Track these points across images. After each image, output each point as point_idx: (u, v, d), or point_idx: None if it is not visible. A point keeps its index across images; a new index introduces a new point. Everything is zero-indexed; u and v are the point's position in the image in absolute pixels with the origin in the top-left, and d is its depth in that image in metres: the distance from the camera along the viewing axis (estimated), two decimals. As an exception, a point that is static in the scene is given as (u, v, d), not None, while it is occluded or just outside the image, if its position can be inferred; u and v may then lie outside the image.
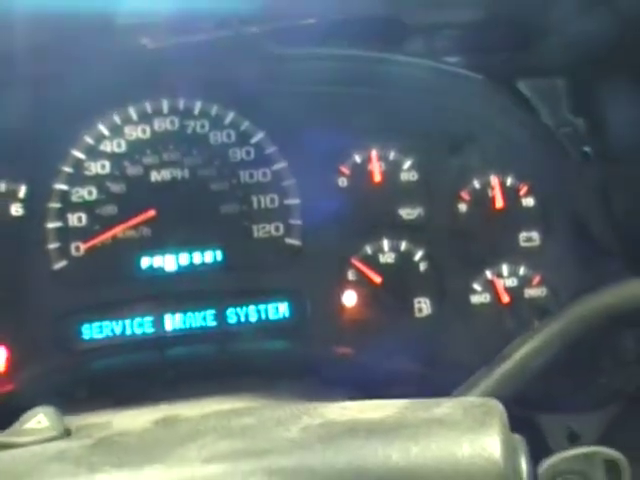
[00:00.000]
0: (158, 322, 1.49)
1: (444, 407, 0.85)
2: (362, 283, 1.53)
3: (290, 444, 0.82)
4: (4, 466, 0.87)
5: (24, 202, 1.51)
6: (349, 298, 1.51)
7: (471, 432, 0.78)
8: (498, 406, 0.83)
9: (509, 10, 1.44)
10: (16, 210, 1.50)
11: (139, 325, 1.48)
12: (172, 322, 1.50)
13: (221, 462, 0.79)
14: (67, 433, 0.99)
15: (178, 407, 1.11)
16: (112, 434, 0.94)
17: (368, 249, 1.53)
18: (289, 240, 1.52)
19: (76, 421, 1.04)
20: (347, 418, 0.87)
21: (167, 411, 1.06)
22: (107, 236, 1.48)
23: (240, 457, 0.80)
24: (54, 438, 0.97)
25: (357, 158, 1.55)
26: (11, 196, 1.51)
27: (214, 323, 1.50)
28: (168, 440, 0.88)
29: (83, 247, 1.50)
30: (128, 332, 1.49)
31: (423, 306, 1.53)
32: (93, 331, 1.48)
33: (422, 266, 1.54)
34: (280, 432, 0.85)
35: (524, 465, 0.80)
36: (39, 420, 1.00)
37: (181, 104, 1.55)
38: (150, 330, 1.49)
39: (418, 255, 1.54)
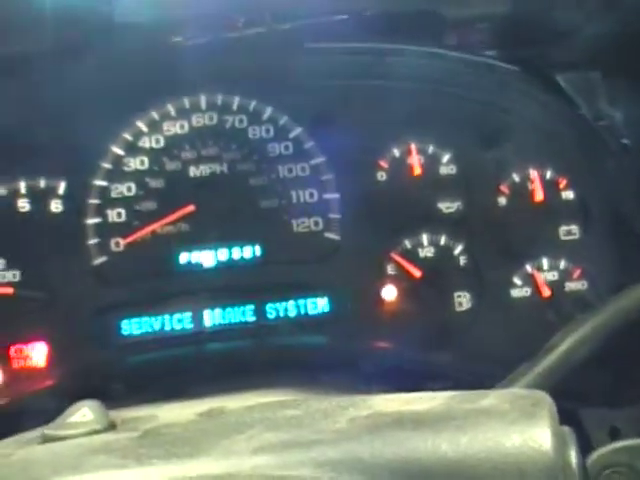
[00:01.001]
0: (197, 318, 1.49)
1: (491, 398, 0.84)
2: (401, 277, 1.52)
3: (338, 435, 0.81)
4: (51, 458, 0.87)
5: (63, 198, 1.51)
6: (389, 292, 1.50)
7: (520, 423, 0.78)
8: (546, 397, 0.83)
9: (541, 3, 1.42)
10: (56, 206, 1.50)
11: (178, 321, 1.48)
12: (211, 318, 1.49)
13: (269, 453, 0.79)
14: (112, 426, 0.99)
15: (221, 400, 1.09)
16: (158, 426, 0.94)
17: (407, 243, 1.52)
18: (328, 234, 1.52)
19: (119, 415, 1.03)
20: (394, 409, 0.86)
21: (211, 404, 1.05)
22: (146, 232, 1.48)
23: (288, 448, 0.79)
24: (99, 431, 0.96)
25: (396, 152, 1.55)
26: (51, 192, 1.51)
27: (253, 318, 1.50)
28: (215, 432, 0.87)
29: (122, 243, 1.50)
30: (167, 328, 1.49)
31: (463, 300, 1.52)
32: (132, 327, 1.48)
33: (462, 260, 1.53)
34: (327, 424, 0.85)
35: (574, 456, 0.79)
36: (83, 413, 1.00)
37: (219, 99, 1.55)
38: (189, 326, 1.49)
39: (458, 249, 1.53)
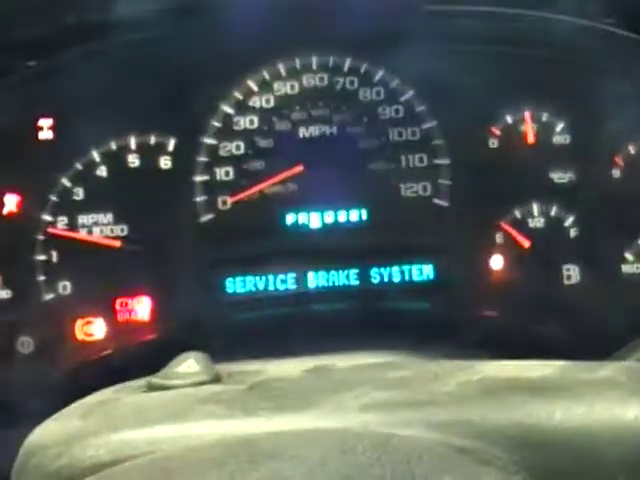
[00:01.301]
0: (301, 279, 1.48)
1: (607, 370, 0.82)
2: (510, 247, 1.49)
3: (449, 397, 0.80)
4: (160, 404, 0.87)
5: (173, 155, 1.52)
6: (496, 261, 1.47)
7: (638, 394, 0.74)
8: None
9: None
10: (165, 163, 1.51)
11: (282, 281, 1.48)
12: (315, 280, 1.49)
13: (378, 411, 0.78)
14: (217, 379, 0.98)
15: (326, 359, 1.09)
16: (265, 380, 0.94)
17: (517, 213, 1.49)
18: (437, 200, 1.49)
19: (224, 368, 1.03)
20: (506, 376, 0.85)
21: (316, 362, 1.04)
22: (254, 190, 1.47)
23: (398, 407, 0.78)
24: (205, 382, 0.96)
25: (509, 119, 1.51)
26: (160, 149, 1.52)
27: (357, 282, 1.49)
28: (323, 388, 0.86)
29: (230, 201, 1.50)
30: (271, 288, 1.49)
31: (572, 273, 1.49)
32: (236, 285, 1.48)
33: (572, 232, 1.49)
34: (437, 386, 0.84)
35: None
36: (189, 365, 1.00)
37: (331, 60, 1.53)
38: (293, 287, 1.49)
39: (569, 221, 1.49)
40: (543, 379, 0.83)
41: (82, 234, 1.52)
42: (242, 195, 1.48)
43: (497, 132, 1.51)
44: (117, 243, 1.50)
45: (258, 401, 0.83)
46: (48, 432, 0.87)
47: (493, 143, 1.51)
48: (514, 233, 1.48)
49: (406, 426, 0.75)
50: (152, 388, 0.96)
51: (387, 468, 0.62)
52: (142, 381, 1.01)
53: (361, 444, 0.66)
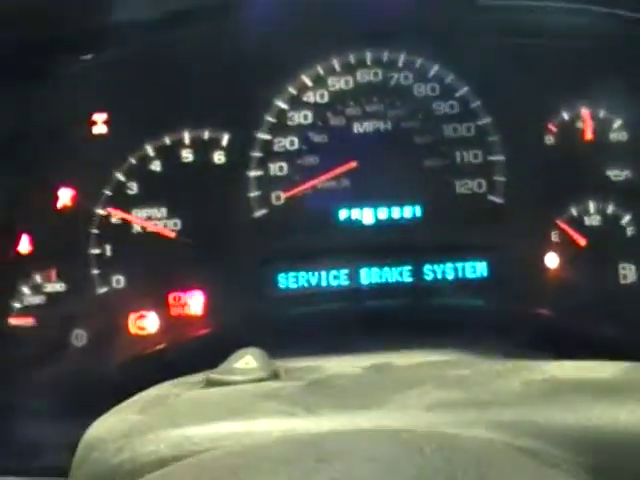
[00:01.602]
0: (354, 275, 1.48)
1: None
2: (565, 245, 1.47)
3: (513, 397, 0.79)
4: (222, 400, 0.87)
5: (227, 150, 1.52)
6: (551, 260, 1.45)
7: None
8: None
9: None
10: (219, 158, 1.52)
11: (334, 277, 1.47)
12: (367, 276, 1.49)
13: (443, 410, 0.78)
14: (275, 375, 0.98)
15: (383, 357, 1.08)
16: (324, 377, 0.94)
17: (573, 210, 1.48)
18: (492, 197, 1.48)
19: (281, 365, 1.03)
20: (570, 376, 0.84)
21: (373, 360, 1.04)
22: (308, 186, 1.46)
23: (462, 407, 0.78)
24: (264, 379, 0.96)
25: (565, 115, 1.50)
26: (214, 144, 1.53)
27: (410, 279, 1.48)
28: (384, 386, 0.86)
29: (283, 196, 1.50)
30: (323, 283, 1.49)
31: (628, 272, 1.47)
32: (289, 280, 1.48)
33: (629, 231, 1.48)
34: (500, 385, 0.83)
35: None
36: (247, 361, 1.00)
37: (385, 55, 1.53)
38: (345, 282, 1.48)
39: (625, 219, 1.47)
40: (607, 380, 0.82)
41: (137, 226, 1.49)
42: (296, 190, 1.47)
43: (553, 129, 1.49)
44: (171, 235, 1.48)
45: (319, 399, 0.83)
46: (107, 426, 0.87)
47: (549, 140, 1.49)
48: (570, 231, 1.47)
49: (471, 426, 0.75)
50: (211, 384, 0.96)
51: (458, 470, 0.61)
52: (199, 376, 1.01)
53: (430, 445, 0.66)
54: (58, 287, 1.51)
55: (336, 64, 1.52)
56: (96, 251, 1.51)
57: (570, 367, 0.88)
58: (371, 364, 0.99)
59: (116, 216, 1.52)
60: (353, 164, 1.47)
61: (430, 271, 1.47)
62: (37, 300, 1.52)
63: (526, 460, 0.68)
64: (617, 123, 1.50)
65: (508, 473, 0.63)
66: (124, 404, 0.95)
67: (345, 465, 0.62)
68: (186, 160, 1.51)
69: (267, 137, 1.50)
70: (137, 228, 1.52)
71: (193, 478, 0.66)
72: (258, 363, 0.99)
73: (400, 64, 1.52)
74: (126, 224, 1.52)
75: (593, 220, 1.48)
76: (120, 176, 1.51)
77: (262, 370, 0.98)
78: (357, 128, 1.50)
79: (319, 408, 0.80)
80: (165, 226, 1.51)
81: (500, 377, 0.85)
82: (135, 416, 0.88)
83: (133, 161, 1.51)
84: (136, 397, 0.97)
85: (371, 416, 0.78)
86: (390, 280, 1.48)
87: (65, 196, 1.53)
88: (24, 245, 1.51)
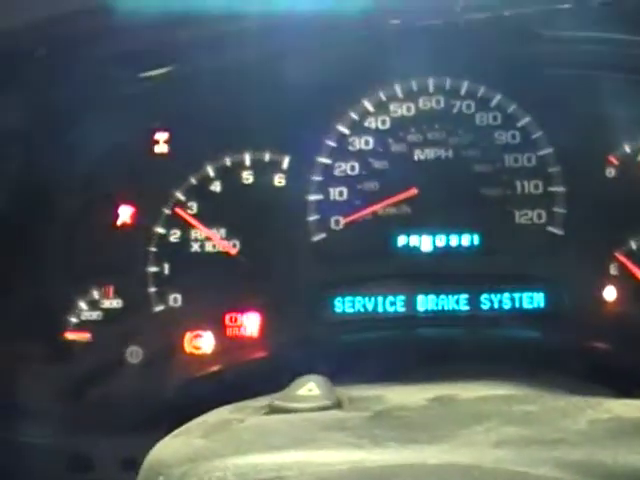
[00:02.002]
0: (410, 302, 1.48)
1: None
2: (624, 278, 1.46)
3: (580, 437, 0.80)
4: (286, 429, 0.88)
5: (287, 173, 1.52)
6: (609, 293, 1.44)
7: None
8: None
9: None
10: (279, 180, 1.53)
11: (391, 303, 1.48)
12: (424, 303, 1.48)
13: (510, 447, 0.78)
14: (339, 404, 0.98)
15: (444, 388, 1.08)
16: (389, 408, 0.94)
17: (633, 244, 1.46)
18: (551, 228, 1.48)
19: (344, 392, 1.03)
20: (635, 415, 0.83)
21: (435, 390, 1.04)
22: (368, 212, 1.47)
23: (530, 445, 0.79)
24: (328, 407, 0.96)
25: (627, 148, 1.48)
26: (275, 166, 1.54)
27: (466, 308, 1.48)
28: (450, 419, 0.87)
29: (343, 221, 1.51)
30: (379, 309, 1.48)
31: (687, 308, 1.44)
32: (345, 305, 1.49)
33: (690, 266, 1.45)
34: (567, 423, 0.84)
35: None
36: (310, 388, 1.00)
37: (447, 83, 1.53)
38: (402, 309, 1.48)
39: (685, 254, 1.45)
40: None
41: (195, 245, 1.50)
42: (356, 216, 1.48)
43: (615, 161, 1.48)
44: (229, 256, 1.50)
45: (386, 431, 0.84)
46: (172, 449, 0.89)
47: (610, 172, 1.49)
48: (629, 264, 1.45)
49: (538, 464, 0.75)
50: (274, 410, 0.97)
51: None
52: (260, 401, 1.01)
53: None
54: (115, 303, 1.53)
55: (398, 90, 1.52)
56: (154, 269, 1.53)
57: (634, 406, 0.88)
58: (435, 396, 0.99)
59: (174, 236, 1.50)
60: (414, 191, 1.47)
61: (487, 300, 1.47)
62: (94, 316, 1.53)
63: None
64: (678, 157, 1.47)
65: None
66: (186, 427, 0.96)
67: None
68: (246, 182, 1.52)
69: (328, 161, 1.50)
70: (195, 247, 1.52)
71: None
72: (321, 391, 0.99)
73: (462, 92, 1.52)
74: (185, 243, 1.50)
75: (653, 254, 1.45)
76: (180, 195, 1.51)
77: (325, 398, 0.98)
78: (418, 155, 1.51)
79: (386, 441, 0.81)
80: (223, 246, 1.49)
81: (566, 415, 0.85)
82: (199, 440, 0.89)
83: (193, 181, 1.52)
84: (198, 420, 0.98)
85: (438, 451, 0.78)
86: (446, 308, 1.48)
87: (125, 214, 1.54)
88: (83, 260, 1.51)
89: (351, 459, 0.79)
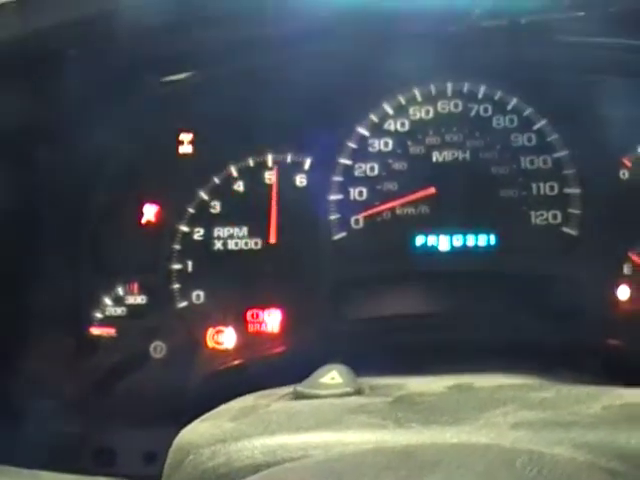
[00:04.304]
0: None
1: None
2: (638, 278, 1.49)
3: (594, 420, 0.82)
4: (311, 413, 0.90)
5: (308, 173, 1.55)
6: (623, 292, 1.47)
7: None
8: None
9: None
10: (300, 181, 1.55)
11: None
12: (442, 301, 1.49)
13: (528, 429, 0.80)
14: (361, 391, 1.01)
15: (464, 378, 1.11)
16: (410, 394, 0.97)
17: (646, 244, 1.48)
18: (566, 229, 1.51)
19: (364, 382, 1.06)
20: (647, 402, 0.85)
21: (455, 380, 1.07)
22: (387, 207, 1.50)
23: (546, 427, 0.81)
24: (350, 394, 0.99)
25: (640, 150, 1.50)
26: (297, 167, 1.57)
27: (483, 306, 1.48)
28: (469, 404, 0.89)
29: (362, 220, 1.51)
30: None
31: (700, 307, 1.47)
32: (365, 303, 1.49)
33: (703, 265, 1.48)
34: (581, 408, 0.86)
35: None
36: (332, 376, 1.03)
37: (465, 87, 1.56)
38: (421, 307, 1.49)
39: (699, 254, 1.48)
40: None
41: (218, 243, 1.54)
42: (374, 210, 1.51)
43: (628, 163, 1.51)
44: (252, 254, 1.53)
45: (407, 414, 0.87)
46: (200, 432, 0.91)
47: (624, 174, 1.51)
48: (642, 264, 1.47)
49: (555, 445, 0.77)
50: (299, 396, 1.00)
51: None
52: (286, 389, 1.04)
53: (520, 459, 0.69)
54: (139, 300, 1.56)
55: (417, 94, 1.55)
56: (178, 266, 1.56)
57: None
58: (453, 384, 1.02)
59: (198, 234, 1.54)
60: (431, 190, 1.50)
61: (503, 299, 1.49)
62: (118, 311, 1.56)
63: (609, 478, 0.71)
64: (693, 159, 1.50)
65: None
66: (214, 412, 0.99)
67: (444, 474, 0.65)
68: (269, 182, 1.55)
69: (348, 162, 1.53)
70: (218, 245, 1.55)
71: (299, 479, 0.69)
72: (343, 379, 1.02)
73: (480, 96, 1.55)
74: (208, 241, 1.54)
75: (666, 254, 1.48)
76: (204, 195, 1.55)
77: (347, 385, 1.01)
78: (436, 157, 1.54)
79: (408, 422, 0.84)
80: (247, 245, 1.53)
81: (580, 401, 0.88)
82: (228, 423, 0.91)
83: (217, 181, 1.55)
84: (225, 406, 1.01)
85: (458, 431, 0.81)
86: (464, 307, 1.49)
87: (149, 212, 1.57)
88: (109, 257, 1.54)
89: (376, 439, 0.81)
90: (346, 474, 0.68)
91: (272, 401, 0.99)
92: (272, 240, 1.56)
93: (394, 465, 0.68)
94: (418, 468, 0.66)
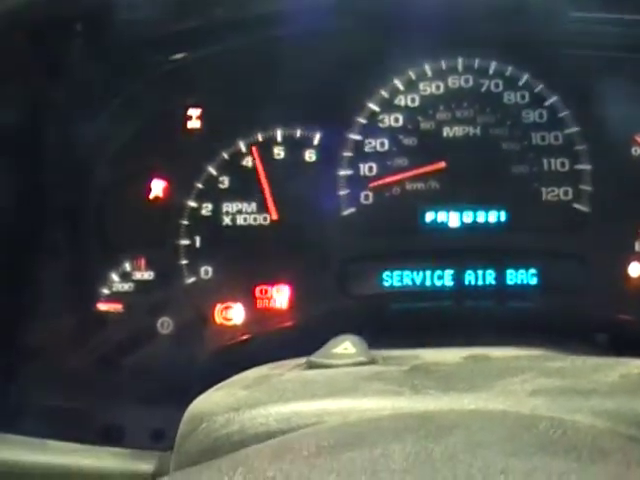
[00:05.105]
0: (440, 276, 1.49)
1: None
2: (649, 254, 1.47)
3: (612, 387, 0.82)
4: (325, 381, 0.90)
5: (318, 148, 1.53)
6: (634, 268, 1.46)
7: None
8: None
9: None
10: (309, 156, 1.54)
11: (434, 277, 1.52)
12: (450, 277, 1.49)
13: (546, 397, 0.80)
14: (374, 361, 1.01)
15: (477, 349, 1.11)
16: (425, 363, 0.96)
17: (657, 220, 1.47)
18: (577, 205, 1.50)
19: (377, 353, 1.05)
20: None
21: (470, 351, 1.06)
22: (397, 178, 1.50)
23: (564, 394, 0.81)
24: (364, 363, 0.98)
25: (653, 127, 1.49)
26: (306, 142, 1.56)
27: (493, 283, 1.48)
28: (486, 373, 0.89)
29: (372, 195, 1.50)
30: (418, 282, 1.49)
31: None
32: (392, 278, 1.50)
33: None
34: (599, 376, 0.85)
35: None
36: (346, 347, 1.02)
37: (476, 63, 1.55)
38: (428, 283, 1.49)
39: None
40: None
41: (227, 218, 1.54)
42: (384, 181, 1.50)
43: (640, 140, 1.49)
44: (260, 229, 1.53)
45: (423, 381, 0.86)
46: (213, 400, 0.91)
47: (636, 151, 1.51)
48: (653, 241, 1.47)
49: (574, 412, 0.77)
50: (312, 366, 0.99)
51: (576, 440, 0.64)
52: (299, 360, 1.04)
53: (541, 422, 0.68)
54: (147, 275, 1.56)
55: (428, 70, 1.55)
56: (186, 242, 1.55)
57: None
58: (468, 354, 1.01)
59: (206, 209, 1.53)
60: (442, 164, 1.49)
61: (513, 276, 1.49)
62: (125, 287, 1.56)
63: (630, 443, 0.71)
64: None
65: (621, 450, 0.65)
66: (228, 381, 0.99)
67: (466, 433, 0.65)
68: (278, 157, 1.55)
69: (358, 137, 1.53)
70: (227, 221, 1.54)
71: (317, 442, 0.68)
72: (357, 349, 1.02)
73: (491, 71, 1.54)
74: (216, 216, 1.54)
75: (677, 230, 1.48)
76: (212, 170, 1.54)
77: (361, 355, 1.01)
78: (446, 132, 1.53)
79: (425, 389, 0.83)
80: (255, 220, 1.53)
81: (597, 370, 0.88)
82: (241, 391, 0.91)
83: (225, 156, 1.54)
84: (239, 376, 1.00)
85: (476, 398, 0.80)
86: (472, 283, 1.49)
87: (157, 188, 1.57)
88: (116, 233, 1.54)
89: (392, 405, 0.81)
90: (365, 436, 0.67)
91: (286, 371, 0.99)
92: (282, 215, 1.52)
93: (413, 427, 0.67)
94: (438, 429, 0.65)
